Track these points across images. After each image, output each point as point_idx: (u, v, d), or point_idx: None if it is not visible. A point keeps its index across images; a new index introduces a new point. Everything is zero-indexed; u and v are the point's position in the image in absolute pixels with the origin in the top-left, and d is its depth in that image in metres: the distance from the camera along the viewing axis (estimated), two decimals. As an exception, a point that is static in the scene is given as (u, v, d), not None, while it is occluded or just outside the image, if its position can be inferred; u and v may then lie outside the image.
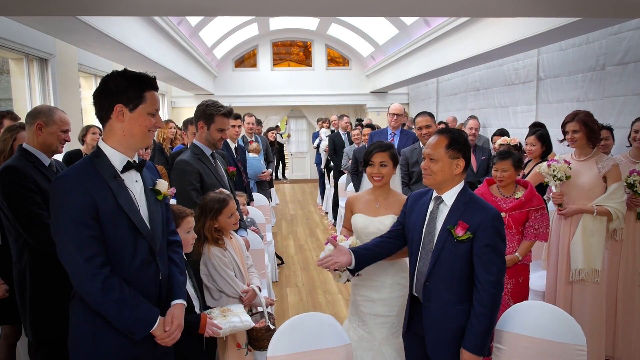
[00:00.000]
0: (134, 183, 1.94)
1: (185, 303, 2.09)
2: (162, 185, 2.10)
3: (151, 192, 2.02)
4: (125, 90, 1.83)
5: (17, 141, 2.85)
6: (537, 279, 3.78)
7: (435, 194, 2.29)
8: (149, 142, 2.01)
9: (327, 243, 2.55)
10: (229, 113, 3.30)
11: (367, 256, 2.39)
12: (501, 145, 4.66)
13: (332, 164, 8.46)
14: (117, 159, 1.87)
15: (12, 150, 2.84)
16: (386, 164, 2.75)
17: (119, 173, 1.87)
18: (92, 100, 1.90)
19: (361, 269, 2.43)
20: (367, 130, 6.94)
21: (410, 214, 2.38)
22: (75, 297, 1.89)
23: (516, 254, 3.23)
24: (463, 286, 2.20)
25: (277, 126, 14.33)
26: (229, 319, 2.53)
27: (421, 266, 2.27)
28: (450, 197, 2.23)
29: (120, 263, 1.83)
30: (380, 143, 2.86)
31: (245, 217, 4.21)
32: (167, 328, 1.92)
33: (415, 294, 2.34)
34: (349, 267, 2.35)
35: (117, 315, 1.80)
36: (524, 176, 3.93)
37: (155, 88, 1.92)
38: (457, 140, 2.21)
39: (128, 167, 1.91)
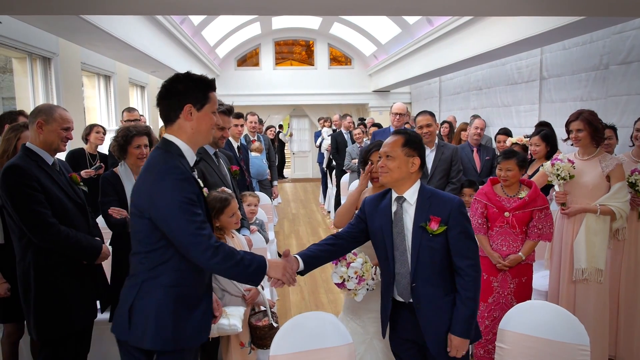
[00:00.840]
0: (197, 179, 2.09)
1: None
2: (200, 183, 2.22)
3: None
4: (193, 91, 1.97)
5: (21, 140, 2.85)
6: (540, 278, 3.77)
7: (395, 195, 2.32)
8: (210, 140, 2.26)
9: (335, 263, 2.53)
10: (228, 111, 3.30)
11: (314, 264, 2.36)
12: (515, 144, 4.64)
13: (334, 163, 8.45)
14: (189, 155, 2.02)
15: (16, 150, 2.84)
16: None
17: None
18: (157, 102, 2.02)
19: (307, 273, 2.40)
20: (373, 129, 6.95)
21: (371, 220, 2.37)
22: (155, 285, 1.92)
23: (519, 253, 3.22)
24: (446, 278, 2.24)
25: (280, 125, 14.34)
26: (219, 321, 2.54)
27: (399, 267, 2.28)
28: (412, 195, 2.27)
29: None
30: (379, 142, 2.90)
31: (253, 218, 4.20)
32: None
33: (400, 298, 2.33)
34: (297, 270, 2.30)
35: (239, 275, 1.99)
36: (530, 177, 3.91)
37: (215, 89, 2.06)
38: (412, 140, 2.30)
39: (196, 163, 2.07)
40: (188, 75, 1.99)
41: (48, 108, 2.66)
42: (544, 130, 4.23)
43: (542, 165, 3.59)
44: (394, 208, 2.31)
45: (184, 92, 1.96)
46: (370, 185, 2.94)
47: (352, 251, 2.69)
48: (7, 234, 2.81)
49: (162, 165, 1.90)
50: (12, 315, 2.95)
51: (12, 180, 2.48)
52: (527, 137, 5.00)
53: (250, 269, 1.97)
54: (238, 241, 3.04)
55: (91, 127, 4.86)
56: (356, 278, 2.50)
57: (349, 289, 2.54)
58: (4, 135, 2.99)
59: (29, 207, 2.48)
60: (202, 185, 2.19)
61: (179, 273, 1.93)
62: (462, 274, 2.19)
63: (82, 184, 2.90)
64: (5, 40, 4.39)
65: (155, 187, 1.86)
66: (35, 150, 2.60)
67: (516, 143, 4.68)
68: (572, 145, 3.52)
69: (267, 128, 10.78)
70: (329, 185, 9.38)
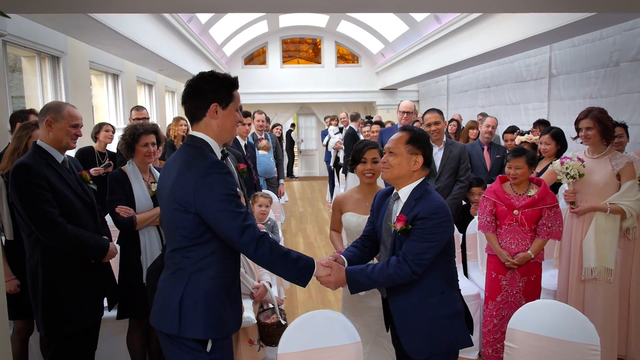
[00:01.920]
0: None
1: None
2: None
3: None
4: (219, 90, 2.01)
5: (32, 139, 2.87)
6: (549, 277, 3.75)
7: (394, 191, 2.30)
8: (235, 136, 2.35)
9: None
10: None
11: (358, 263, 2.36)
12: (525, 142, 4.62)
13: (341, 161, 8.43)
14: (217, 151, 2.07)
15: (26, 148, 2.86)
16: (378, 161, 2.79)
17: None
18: (183, 100, 2.07)
19: None
20: (376, 127, 6.93)
21: (377, 215, 2.38)
22: (203, 277, 1.97)
23: (528, 251, 3.20)
24: (425, 279, 2.15)
25: (292, 124, 14.35)
26: None
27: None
28: (405, 193, 2.22)
29: None
30: (368, 141, 2.92)
31: (264, 219, 4.20)
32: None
33: (384, 294, 2.33)
34: None
35: (285, 269, 2.02)
36: (538, 175, 3.88)
37: (238, 87, 2.10)
38: (418, 138, 2.23)
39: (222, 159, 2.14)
40: (213, 74, 2.04)
41: (56, 106, 2.67)
42: (555, 129, 4.19)
43: (551, 163, 3.56)
44: (389, 204, 2.30)
45: (210, 91, 2.00)
46: (357, 183, 2.92)
47: (335, 237, 2.69)
48: (17, 230, 2.83)
49: (204, 160, 1.94)
50: (22, 312, 2.97)
51: (21, 178, 2.49)
52: (525, 134, 4.98)
53: (299, 263, 2.03)
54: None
55: (100, 126, 4.89)
56: None
57: None
58: (15, 133, 3.02)
59: (36, 205, 2.49)
60: None
61: (223, 264, 2.00)
62: (401, 259, 2.10)
63: (91, 182, 2.91)
64: (15, 39, 4.42)
65: (201, 182, 1.90)
66: (46, 148, 2.61)
67: (525, 142, 4.64)
68: (581, 143, 3.49)
69: (274, 126, 10.78)
70: (336, 183, 9.38)
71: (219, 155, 2.07)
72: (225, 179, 1.92)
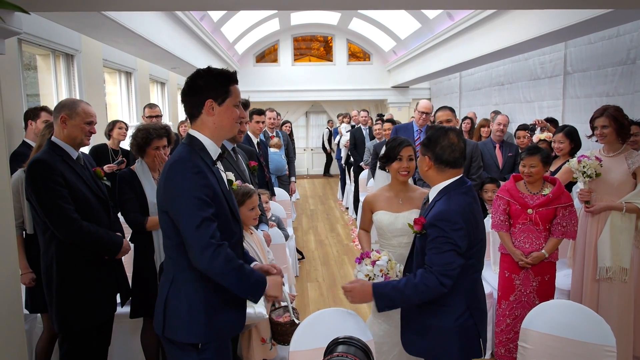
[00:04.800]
0: (221, 172, 2.10)
1: None
2: (231, 176, 2.26)
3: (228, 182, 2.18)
4: (214, 86, 1.96)
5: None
6: (563, 277, 3.71)
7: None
8: (235, 133, 2.35)
9: (359, 261, 2.49)
10: (244, 105, 3.30)
11: None
12: (543, 140, 4.57)
13: (352, 159, 8.43)
14: (212, 149, 2.01)
15: (48, 145, 2.89)
16: (413, 158, 2.78)
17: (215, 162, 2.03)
18: (181, 99, 2.04)
19: None
20: (387, 125, 6.90)
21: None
22: (184, 280, 1.93)
23: (542, 251, 3.17)
24: None
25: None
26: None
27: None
28: (432, 193, 2.24)
29: None
30: (403, 139, 2.87)
31: (267, 214, 4.21)
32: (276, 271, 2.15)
33: None
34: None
35: (238, 283, 1.90)
36: (552, 174, 3.84)
37: (237, 82, 2.05)
38: (427, 138, 2.25)
39: (219, 157, 2.06)
40: (209, 70, 1.99)
41: (71, 103, 2.70)
42: (568, 127, 4.14)
43: (567, 161, 3.52)
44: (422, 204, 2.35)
45: (205, 87, 1.95)
46: (386, 181, 2.91)
47: (376, 249, 2.67)
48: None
49: (175, 159, 1.91)
50: (40, 306, 3.00)
51: (37, 174, 2.52)
52: (529, 130, 4.93)
53: (252, 279, 1.93)
54: (257, 237, 3.04)
55: (114, 123, 4.94)
56: (382, 276, 2.47)
57: (366, 275, 2.51)
58: (41, 132, 3.05)
59: (52, 201, 2.51)
60: (232, 178, 2.17)
61: None
62: (427, 269, 2.09)
63: (105, 178, 2.93)
64: (30, 38, 4.46)
65: (168, 181, 1.88)
66: (60, 144, 2.64)
67: (544, 140, 4.59)
68: (596, 141, 3.44)
69: (283, 123, 10.78)
70: (347, 181, 9.37)
71: (215, 155, 2.02)
72: (193, 178, 1.85)
